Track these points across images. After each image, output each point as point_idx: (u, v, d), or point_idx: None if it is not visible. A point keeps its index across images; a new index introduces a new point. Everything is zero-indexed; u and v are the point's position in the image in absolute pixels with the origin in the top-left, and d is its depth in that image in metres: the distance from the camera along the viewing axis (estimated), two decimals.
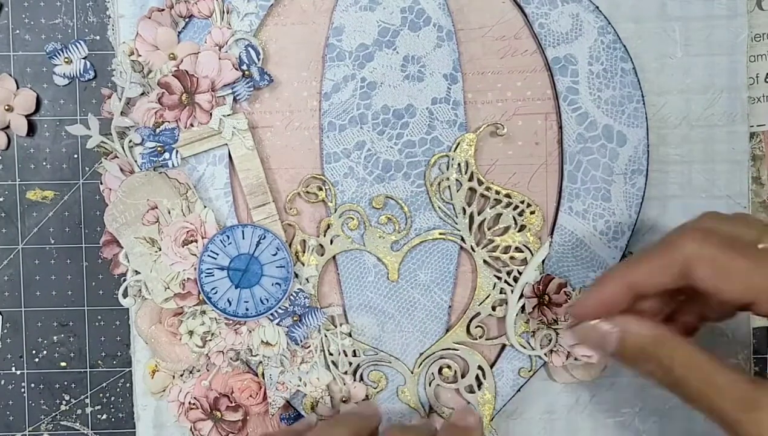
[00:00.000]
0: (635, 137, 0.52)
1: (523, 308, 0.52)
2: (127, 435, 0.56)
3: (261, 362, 0.52)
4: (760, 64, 0.54)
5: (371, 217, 0.52)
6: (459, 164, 0.52)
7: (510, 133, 0.53)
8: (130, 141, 0.51)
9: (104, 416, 0.56)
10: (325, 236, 0.52)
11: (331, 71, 0.52)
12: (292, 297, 0.51)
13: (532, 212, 0.52)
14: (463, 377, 0.53)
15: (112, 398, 0.56)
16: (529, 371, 0.53)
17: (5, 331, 0.55)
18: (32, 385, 0.55)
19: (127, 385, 0.55)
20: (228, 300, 0.50)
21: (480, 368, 0.53)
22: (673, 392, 0.42)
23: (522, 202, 0.52)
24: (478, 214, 0.52)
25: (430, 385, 0.53)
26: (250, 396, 0.52)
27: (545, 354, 0.52)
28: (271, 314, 0.51)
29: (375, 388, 0.53)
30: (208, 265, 0.50)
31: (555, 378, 0.54)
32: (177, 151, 0.51)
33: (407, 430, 0.48)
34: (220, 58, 0.51)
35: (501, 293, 0.53)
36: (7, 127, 0.54)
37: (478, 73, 0.53)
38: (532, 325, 0.52)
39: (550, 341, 0.52)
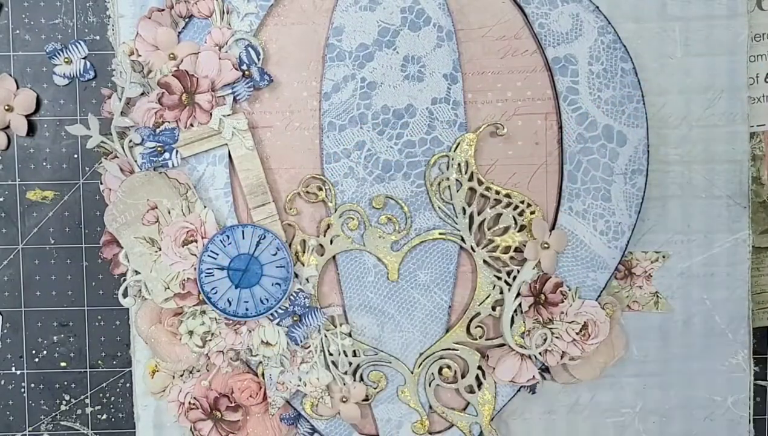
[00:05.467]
0: (635, 137, 0.52)
1: (521, 306, 0.52)
2: (127, 435, 0.56)
3: (261, 362, 0.52)
4: (760, 64, 0.54)
5: (371, 217, 0.52)
6: (459, 164, 0.52)
7: (510, 133, 0.53)
8: (130, 141, 0.51)
9: (104, 416, 0.56)
10: (325, 236, 0.52)
11: (331, 71, 0.52)
12: (292, 297, 0.51)
13: (532, 212, 0.52)
14: (463, 377, 0.53)
15: (112, 398, 0.56)
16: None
17: (5, 331, 0.55)
18: (32, 385, 0.55)
19: (127, 385, 0.55)
20: (228, 300, 0.50)
21: (480, 368, 0.53)
22: None
23: (522, 202, 0.52)
24: (478, 214, 0.52)
25: (430, 385, 0.53)
26: (250, 396, 0.52)
27: (540, 353, 0.52)
28: (271, 314, 0.51)
29: (375, 388, 0.53)
30: (208, 265, 0.50)
31: (555, 378, 0.54)
32: (177, 151, 0.51)
33: None
34: (220, 58, 0.51)
35: (501, 293, 0.53)
36: (7, 127, 0.54)
37: (478, 73, 0.53)
38: (528, 324, 0.52)
39: (545, 340, 0.52)
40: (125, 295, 0.52)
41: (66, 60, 0.54)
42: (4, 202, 0.55)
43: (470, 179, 0.52)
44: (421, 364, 0.53)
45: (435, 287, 0.53)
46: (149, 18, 0.51)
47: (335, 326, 0.52)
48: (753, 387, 0.55)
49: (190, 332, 0.51)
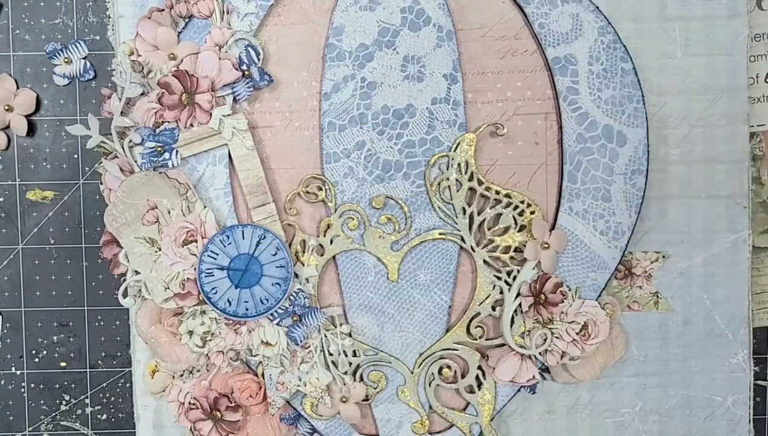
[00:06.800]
0: (635, 137, 0.52)
1: (521, 306, 0.52)
2: (127, 435, 0.56)
3: (261, 362, 0.52)
4: (760, 64, 0.54)
5: (371, 217, 0.52)
6: (459, 164, 0.52)
7: (510, 133, 0.53)
8: (130, 141, 0.51)
9: (104, 416, 0.56)
10: (325, 236, 0.52)
11: (331, 71, 0.52)
12: (292, 297, 0.51)
13: (532, 212, 0.52)
14: (463, 377, 0.53)
15: (112, 398, 0.56)
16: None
17: (5, 331, 0.55)
18: (32, 385, 0.55)
19: (127, 385, 0.55)
20: (228, 300, 0.50)
21: (480, 368, 0.53)
22: None
23: (522, 202, 0.52)
24: (478, 214, 0.52)
25: (430, 385, 0.53)
26: (250, 396, 0.52)
27: (540, 353, 0.52)
28: (271, 314, 0.51)
29: (375, 388, 0.53)
30: (208, 265, 0.50)
31: (555, 378, 0.54)
32: (177, 151, 0.51)
33: None
34: (220, 58, 0.51)
35: (501, 293, 0.53)
36: (7, 127, 0.54)
37: (478, 73, 0.53)
38: (528, 324, 0.52)
39: (545, 340, 0.52)
40: (125, 295, 0.52)
41: (66, 60, 0.54)
42: (4, 202, 0.55)
43: (470, 179, 0.52)
44: (421, 364, 0.53)
45: (435, 287, 0.53)
46: (149, 18, 0.51)
47: (335, 326, 0.52)
48: (753, 387, 0.55)
49: (190, 332, 0.51)
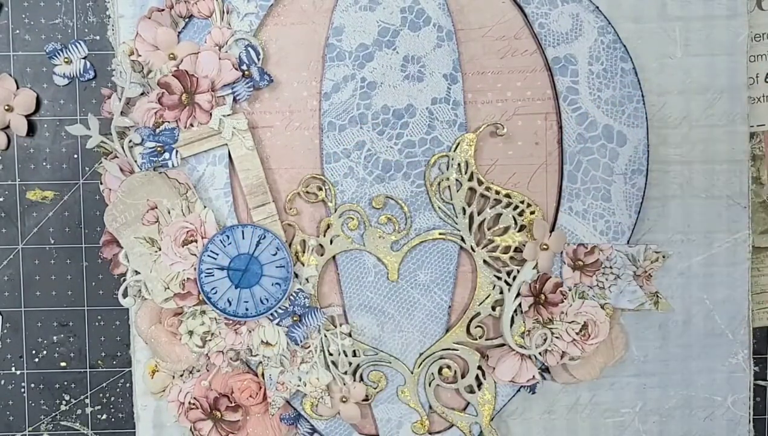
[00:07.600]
0: (635, 137, 0.52)
1: (521, 306, 0.52)
2: (127, 435, 0.56)
3: (261, 362, 0.52)
4: (760, 64, 0.54)
5: (371, 217, 0.52)
6: (459, 164, 0.52)
7: (510, 133, 0.53)
8: (130, 141, 0.51)
9: (104, 416, 0.56)
10: (325, 236, 0.52)
11: (331, 71, 0.52)
12: (292, 297, 0.51)
13: (532, 212, 0.52)
14: (463, 377, 0.53)
15: (112, 398, 0.56)
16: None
17: (5, 331, 0.55)
18: (32, 385, 0.55)
19: (127, 385, 0.55)
20: (228, 300, 0.50)
21: (480, 368, 0.53)
22: None
23: (522, 202, 0.52)
24: (478, 214, 0.52)
25: (429, 385, 0.53)
26: (250, 396, 0.52)
27: (540, 353, 0.52)
28: (271, 314, 0.51)
29: (375, 388, 0.53)
30: (208, 265, 0.50)
31: (555, 378, 0.54)
32: (177, 151, 0.51)
33: None
34: (220, 58, 0.51)
35: (501, 293, 0.53)
36: (7, 127, 0.54)
37: (478, 73, 0.53)
38: (528, 324, 0.52)
39: (545, 340, 0.52)
40: (125, 295, 0.52)
41: (66, 60, 0.54)
42: (4, 202, 0.55)
43: (470, 179, 0.52)
44: (421, 364, 0.53)
45: (435, 287, 0.53)
46: (149, 18, 0.51)
47: (335, 326, 0.52)
48: (753, 387, 0.55)
49: (190, 332, 0.51)
